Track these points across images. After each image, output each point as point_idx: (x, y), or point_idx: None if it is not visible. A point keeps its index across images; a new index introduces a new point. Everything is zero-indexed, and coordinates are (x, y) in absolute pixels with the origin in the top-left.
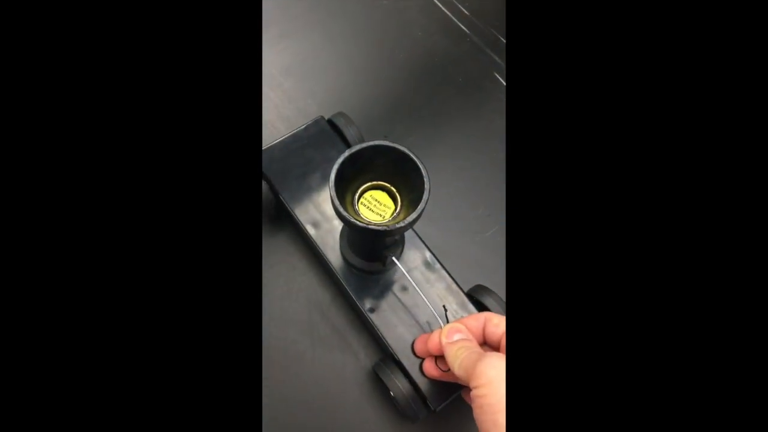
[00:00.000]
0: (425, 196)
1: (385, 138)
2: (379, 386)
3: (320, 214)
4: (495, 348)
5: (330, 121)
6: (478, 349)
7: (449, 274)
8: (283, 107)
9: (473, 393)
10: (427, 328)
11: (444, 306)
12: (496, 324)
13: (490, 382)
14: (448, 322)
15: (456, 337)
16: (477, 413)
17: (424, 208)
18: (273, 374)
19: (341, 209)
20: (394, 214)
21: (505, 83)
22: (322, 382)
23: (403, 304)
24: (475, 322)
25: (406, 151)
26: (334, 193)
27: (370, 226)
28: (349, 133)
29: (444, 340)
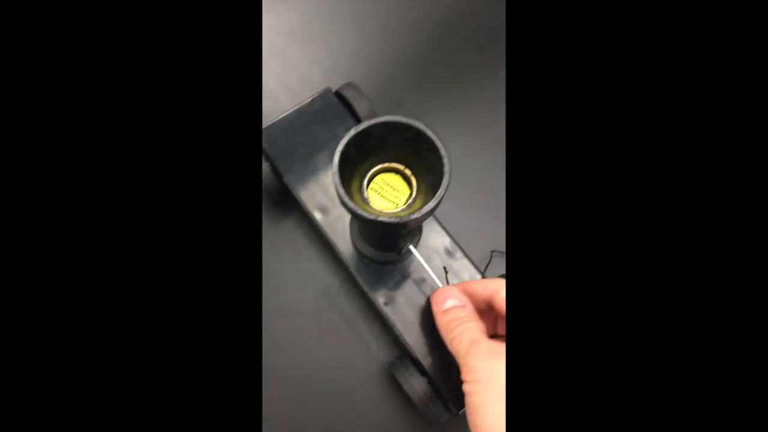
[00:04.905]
0: (446, 180)
1: (399, 107)
2: (394, 380)
3: (328, 199)
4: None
5: (338, 94)
6: (472, 325)
7: (472, 263)
8: (286, 76)
9: (463, 385)
10: None
11: (444, 267)
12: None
13: (479, 380)
14: (448, 284)
15: (448, 304)
16: (466, 408)
17: (443, 196)
18: (279, 365)
19: (346, 199)
20: (409, 201)
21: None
22: (333, 374)
23: (421, 297)
24: (483, 290)
25: (422, 128)
26: (338, 180)
27: (379, 218)
28: (360, 106)
29: (434, 309)
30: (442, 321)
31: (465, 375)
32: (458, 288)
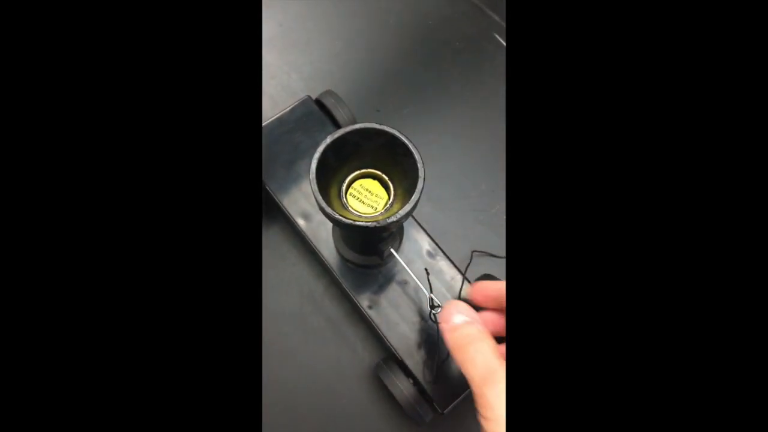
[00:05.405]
0: (420, 185)
1: (378, 112)
2: (380, 382)
3: (311, 205)
4: None
5: (318, 101)
6: (485, 346)
7: (453, 264)
8: (266, 84)
9: (480, 419)
10: (432, 325)
11: (426, 269)
12: None
13: (497, 419)
14: (431, 290)
15: (457, 320)
16: None
17: (419, 199)
18: (266, 369)
19: (323, 204)
20: (388, 205)
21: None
22: (319, 377)
23: (404, 299)
24: (499, 291)
25: (396, 133)
26: (315, 187)
27: (357, 223)
28: (339, 113)
29: (442, 325)
30: (451, 338)
31: (482, 409)
32: (473, 288)
